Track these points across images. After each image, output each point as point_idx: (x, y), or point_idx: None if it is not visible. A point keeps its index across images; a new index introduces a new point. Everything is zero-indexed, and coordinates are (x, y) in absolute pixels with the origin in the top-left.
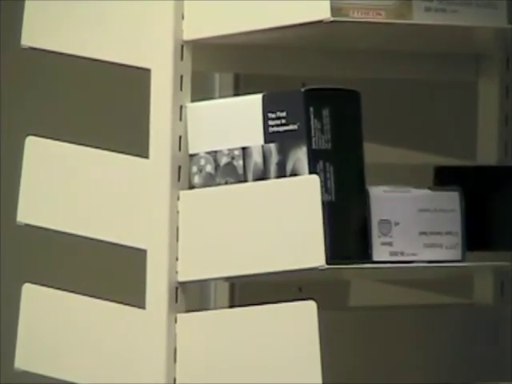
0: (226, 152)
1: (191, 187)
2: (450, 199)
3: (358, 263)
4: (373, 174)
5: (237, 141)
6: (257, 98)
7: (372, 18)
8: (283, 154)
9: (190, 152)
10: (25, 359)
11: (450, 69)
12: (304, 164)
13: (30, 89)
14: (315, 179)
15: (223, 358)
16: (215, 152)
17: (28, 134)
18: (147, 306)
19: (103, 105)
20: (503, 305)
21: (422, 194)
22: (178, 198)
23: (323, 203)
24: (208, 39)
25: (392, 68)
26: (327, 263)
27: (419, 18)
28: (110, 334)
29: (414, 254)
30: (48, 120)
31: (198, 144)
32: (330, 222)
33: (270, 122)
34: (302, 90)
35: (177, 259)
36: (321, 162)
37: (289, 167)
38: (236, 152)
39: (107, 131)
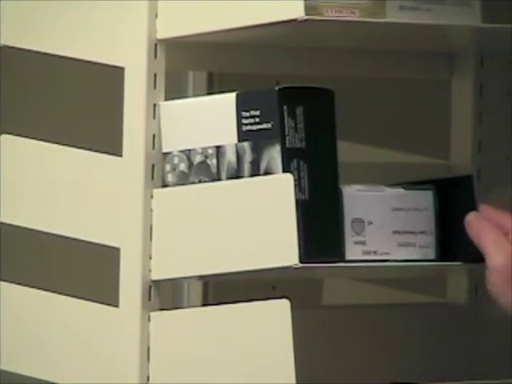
0: (200, 151)
1: (165, 186)
2: (424, 198)
3: (331, 262)
4: (347, 173)
5: (210, 139)
6: (230, 97)
7: (346, 16)
8: (257, 152)
9: (164, 150)
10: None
11: (424, 67)
12: (278, 163)
13: (3, 87)
14: (289, 178)
15: (196, 357)
16: (189, 150)
17: (2, 133)
18: (120, 304)
19: (76, 103)
20: (477, 304)
21: (395, 193)
22: (152, 197)
23: (297, 202)
24: (182, 38)
25: (366, 66)
26: (301, 262)
27: (393, 16)
28: (82, 332)
29: (387, 253)
30: (22, 118)
31: (172, 142)
32: (304, 221)
33: (244, 121)
34: (276, 88)
35: (150, 258)
36: (295, 161)
37: (263, 166)
38: (210, 151)
39: (80, 129)
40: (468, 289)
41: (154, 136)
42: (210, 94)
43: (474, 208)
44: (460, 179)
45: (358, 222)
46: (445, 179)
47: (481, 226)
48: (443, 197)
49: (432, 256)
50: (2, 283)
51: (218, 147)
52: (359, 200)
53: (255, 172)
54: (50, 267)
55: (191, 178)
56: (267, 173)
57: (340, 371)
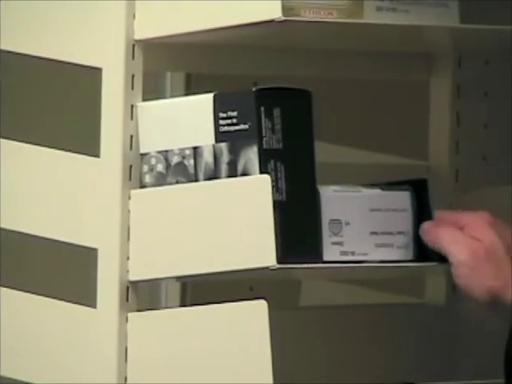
0: (177, 151)
1: (142, 186)
2: (401, 199)
3: (308, 263)
4: (324, 174)
5: (188, 140)
6: (208, 98)
7: (323, 17)
8: (234, 153)
9: (141, 151)
10: None
11: (402, 68)
12: (255, 164)
13: None
14: (266, 179)
15: (174, 357)
16: (166, 151)
17: None
18: (98, 305)
19: (54, 104)
20: (455, 305)
21: (372, 194)
22: (129, 198)
23: (274, 203)
24: (159, 38)
25: (344, 67)
26: (278, 263)
27: (370, 17)
28: (60, 333)
29: (364, 254)
30: None
31: (149, 143)
32: (281, 222)
33: (221, 122)
34: (253, 89)
35: (128, 258)
36: (272, 162)
37: (240, 167)
38: (187, 151)
39: (58, 130)
40: (446, 289)
41: (131, 137)
42: (187, 94)
43: (429, 212)
44: (416, 182)
45: (336, 223)
46: (402, 182)
47: (435, 230)
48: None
49: (410, 256)
50: None
51: (195, 148)
52: (337, 201)
53: (232, 173)
54: (27, 268)
55: (168, 179)
56: (244, 174)
57: (317, 371)
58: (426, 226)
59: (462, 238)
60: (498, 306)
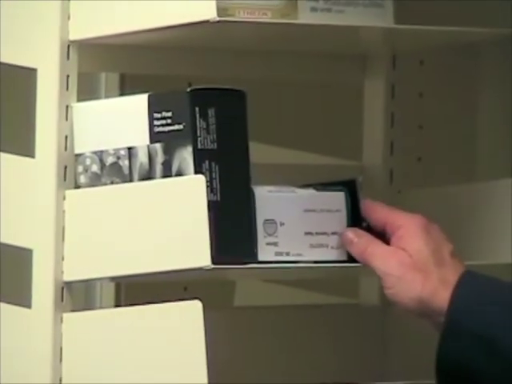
0: (112, 152)
1: (77, 187)
2: (336, 199)
3: (243, 263)
4: (259, 174)
5: (122, 141)
6: (142, 98)
7: (258, 17)
8: (169, 153)
9: (76, 152)
10: None
11: (336, 69)
12: (190, 164)
13: None
14: (201, 179)
15: (109, 358)
16: (101, 152)
17: None
18: (33, 305)
19: None
20: (388, 306)
21: (307, 194)
22: (64, 198)
23: (209, 203)
24: (94, 39)
25: (279, 68)
26: (213, 263)
27: (305, 18)
28: None
29: (299, 255)
30: None
31: (84, 144)
32: (216, 222)
33: (156, 122)
34: (188, 90)
35: (63, 259)
36: (206, 162)
37: (174, 167)
38: (122, 152)
39: None
40: (380, 290)
41: (66, 137)
42: (122, 95)
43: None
44: (349, 183)
45: (270, 223)
46: (336, 182)
47: (359, 243)
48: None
49: (344, 257)
50: None
51: (129, 148)
52: (271, 201)
53: (167, 173)
54: None
55: (103, 179)
56: (179, 174)
57: (252, 372)
58: (348, 236)
59: (387, 250)
60: (428, 314)
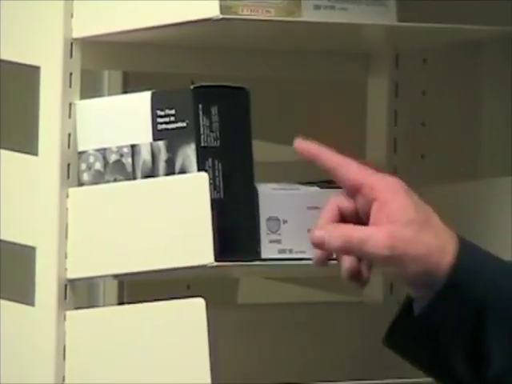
0: (115, 149)
1: (80, 184)
2: None
3: (246, 261)
4: (262, 172)
5: (126, 138)
6: (145, 96)
7: (261, 15)
8: (172, 151)
9: (79, 149)
10: None
11: (340, 67)
12: (193, 161)
13: None
14: (204, 176)
15: (112, 356)
16: (104, 149)
17: None
18: (36, 303)
19: None
20: (392, 304)
21: (310, 192)
22: (67, 196)
23: (212, 201)
24: (97, 37)
25: (282, 66)
26: (216, 261)
27: (308, 15)
28: None
29: (302, 252)
30: None
31: (87, 141)
32: (219, 220)
33: (159, 120)
34: (191, 87)
35: (66, 256)
36: (210, 160)
37: (178, 165)
38: (125, 149)
39: None
40: (383, 288)
41: (69, 135)
42: (125, 93)
43: None
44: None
45: (274, 221)
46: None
47: (336, 239)
48: None
49: None
50: None
51: (133, 146)
52: (274, 198)
53: (170, 171)
54: None
55: (106, 177)
56: (182, 172)
57: (255, 370)
58: (317, 235)
59: (362, 230)
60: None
